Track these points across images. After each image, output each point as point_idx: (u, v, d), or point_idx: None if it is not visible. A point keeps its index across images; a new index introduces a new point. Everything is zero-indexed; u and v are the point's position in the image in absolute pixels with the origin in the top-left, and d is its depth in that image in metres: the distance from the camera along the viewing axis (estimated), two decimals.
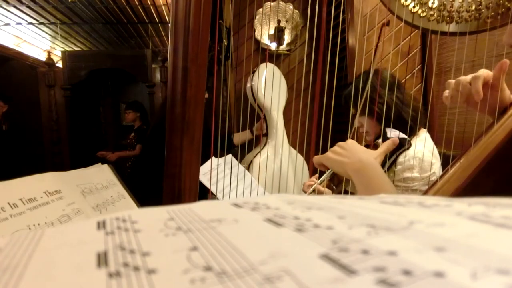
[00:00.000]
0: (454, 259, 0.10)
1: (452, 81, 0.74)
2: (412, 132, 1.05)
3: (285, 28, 2.30)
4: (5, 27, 4.03)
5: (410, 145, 0.98)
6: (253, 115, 2.08)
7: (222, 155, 1.00)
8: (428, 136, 1.06)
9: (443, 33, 0.76)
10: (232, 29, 2.08)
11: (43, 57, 4.77)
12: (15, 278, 0.11)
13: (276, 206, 0.19)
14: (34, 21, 4.02)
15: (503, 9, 0.69)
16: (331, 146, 0.75)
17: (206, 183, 0.99)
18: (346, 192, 1.03)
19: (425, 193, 0.78)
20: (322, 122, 0.80)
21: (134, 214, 0.18)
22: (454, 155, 0.75)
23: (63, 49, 4.84)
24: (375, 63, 1.05)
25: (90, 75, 4.44)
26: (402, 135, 0.96)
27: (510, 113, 0.68)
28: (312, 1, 0.75)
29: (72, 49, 5.12)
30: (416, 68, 2.11)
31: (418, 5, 0.75)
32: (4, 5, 3.47)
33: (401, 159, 0.98)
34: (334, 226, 0.14)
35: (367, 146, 0.90)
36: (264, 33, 2.31)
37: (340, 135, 0.89)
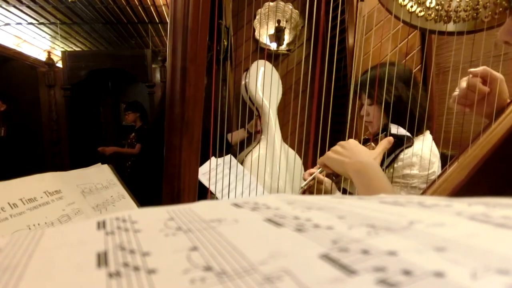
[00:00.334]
0: (454, 259, 0.10)
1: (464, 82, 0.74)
2: (418, 131, 1.05)
3: (285, 28, 2.30)
4: (5, 27, 4.03)
5: (412, 142, 0.98)
6: (250, 114, 2.07)
7: (218, 155, 1.00)
8: (429, 135, 1.07)
9: (441, 33, 0.76)
10: (232, 29, 2.08)
11: (43, 57, 4.77)
12: (15, 278, 0.11)
13: (276, 206, 0.19)
14: (34, 21, 4.02)
15: (500, 9, 0.69)
16: (330, 145, 0.76)
17: (205, 183, 0.99)
18: (345, 191, 1.03)
19: (424, 192, 0.78)
20: (320, 122, 0.81)
21: (134, 214, 0.18)
22: (452, 155, 0.75)
23: (63, 49, 4.85)
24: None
25: (90, 75, 4.44)
26: (405, 132, 0.96)
27: (507, 113, 0.68)
28: (312, 1, 0.75)
29: (72, 49, 5.13)
30: (416, 69, 2.11)
31: (416, 4, 0.75)
32: (4, 5, 3.47)
33: (402, 155, 0.99)
34: (334, 226, 0.14)
35: (367, 140, 0.90)
36: (264, 33, 2.31)
37: (339, 135, 0.89)
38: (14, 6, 3.55)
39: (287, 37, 2.33)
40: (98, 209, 0.50)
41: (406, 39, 2.04)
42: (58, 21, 4.09)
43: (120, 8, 3.76)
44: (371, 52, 1.92)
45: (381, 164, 0.98)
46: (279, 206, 0.19)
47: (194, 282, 0.10)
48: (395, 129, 0.96)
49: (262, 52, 2.26)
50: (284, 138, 2.03)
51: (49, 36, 4.59)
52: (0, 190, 0.38)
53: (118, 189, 0.57)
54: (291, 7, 2.32)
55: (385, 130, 0.97)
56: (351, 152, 0.69)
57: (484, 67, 0.71)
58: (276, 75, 2.02)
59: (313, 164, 1.03)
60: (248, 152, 1.86)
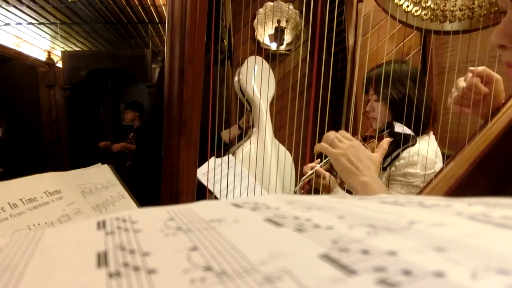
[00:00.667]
0: (454, 259, 0.10)
1: (461, 81, 0.74)
2: (423, 131, 1.05)
3: (285, 28, 2.30)
4: (5, 27, 4.03)
5: (415, 142, 0.99)
6: (245, 111, 2.06)
7: (213, 153, 1.00)
8: (433, 136, 1.07)
9: (437, 32, 0.76)
10: (232, 29, 2.08)
11: (43, 57, 4.77)
12: (15, 278, 0.11)
13: (276, 206, 0.19)
14: (34, 21, 4.02)
15: (496, 8, 0.69)
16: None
17: (205, 183, 0.99)
18: (349, 192, 1.03)
19: (421, 190, 0.78)
20: (317, 122, 0.81)
21: (134, 214, 0.18)
22: (449, 154, 0.75)
23: (63, 49, 4.84)
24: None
25: (90, 75, 4.45)
26: (409, 131, 0.96)
27: (503, 112, 0.68)
28: (312, 1, 0.75)
29: (72, 49, 5.12)
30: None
31: (412, 4, 0.75)
32: (4, 5, 3.47)
33: (404, 154, 0.99)
34: (334, 226, 0.14)
35: (371, 137, 0.91)
36: (264, 33, 2.31)
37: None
38: (14, 6, 3.55)
39: (287, 37, 2.33)
40: (98, 209, 0.50)
41: (405, 40, 2.04)
42: (58, 21, 4.09)
43: (120, 8, 3.76)
44: (367, 54, 1.92)
45: (383, 162, 0.98)
46: (279, 206, 0.19)
47: (194, 282, 0.10)
48: (399, 127, 0.96)
49: (263, 52, 2.26)
50: (284, 138, 2.02)
51: (49, 36, 4.59)
52: (0, 190, 0.38)
53: (118, 189, 0.57)
54: (291, 7, 2.32)
55: (389, 127, 0.97)
56: (362, 164, 0.67)
57: (484, 67, 0.71)
58: (269, 69, 2.01)
59: (311, 160, 1.03)
60: (239, 146, 1.84)
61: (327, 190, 1.02)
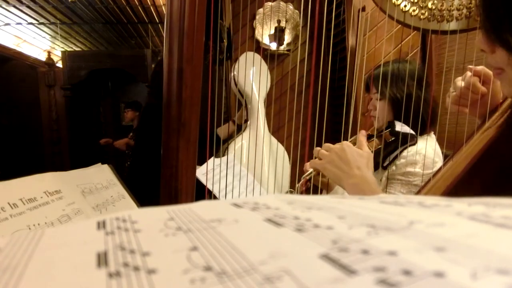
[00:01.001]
0: (454, 259, 0.10)
1: (459, 81, 0.74)
2: (423, 130, 1.06)
3: (285, 28, 2.30)
4: (5, 27, 4.03)
5: (416, 141, 0.99)
6: (238, 106, 2.05)
7: (211, 152, 1.00)
8: (434, 136, 1.07)
9: (434, 32, 0.77)
10: (232, 29, 2.08)
11: (43, 57, 4.77)
12: (15, 278, 0.11)
13: (276, 206, 0.19)
14: (34, 21, 4.02)
15: None
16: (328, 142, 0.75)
17: (205, 183, 0.99)
18: None
19: (419, 190, 0.78)
20: (316, 123, 0.81)
21: (134, 214, 0.18)
22: (447, 154, 0.75)
23: (63, 49, 4.84)
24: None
25: (90, 75, 4.45)
26: (409, 130, 0.96)
27: (500, 111, 0.68)
28: (312, 1, 0.75)
29: (72, 49, 5.12)
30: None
31: (409, 4, 0.76)
32: (4, 5, 3.47)
33: (405, 153, 0.99)
34: (334, 226, 0.14)
35: (370, 136, 0.91)
36: (263, 33, 2.31)
37: (337, 135, 0.90)
38: (14, 6, 3.55)
39: (287, 37, 2.33)
40: (98, 209, 0.50)
41: (404, 40, 2.04)
42: (58, 21, 4.08)
43: (120, 8, 3.76)
44: (365, 54, 1.92)
45: (383, 162, 0.98)
46: (279, 206, 0.19)
47: (194, 282, 0.10)
48: (399, 126, 0.96)
49: (263, 53, 2.26)
50: (283, 139, 2.02)
51: (49, 36, 4.59)
52: (0, 190, 0.38)
53: (118, 189, 0.57)
54: (291, 7, 2.32)
55: (390, 126, 0.97)
56: (348, 165, 0.68)
57: (482, 66, 0.71)
58: (264, 65, 2.00)
59: (310, 158, 1.03)
60: (232, 141, 1.83)
61: (327, 187, 1.02)
